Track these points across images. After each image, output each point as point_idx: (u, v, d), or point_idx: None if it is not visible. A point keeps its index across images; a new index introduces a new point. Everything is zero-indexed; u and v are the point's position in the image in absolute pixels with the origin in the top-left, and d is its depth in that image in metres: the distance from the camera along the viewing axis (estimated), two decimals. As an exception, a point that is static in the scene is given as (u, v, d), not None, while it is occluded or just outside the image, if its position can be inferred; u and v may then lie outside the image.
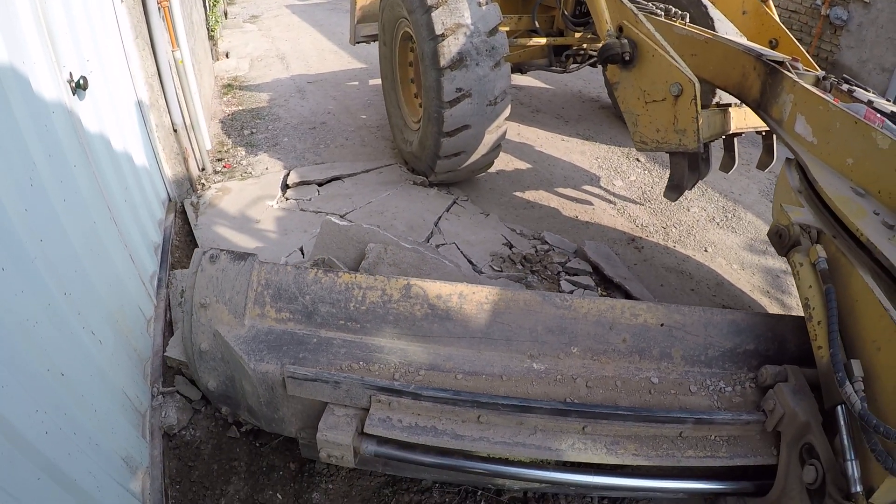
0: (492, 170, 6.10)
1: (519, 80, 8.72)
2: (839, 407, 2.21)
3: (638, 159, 6.59)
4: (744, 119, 4.12)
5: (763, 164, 4.55)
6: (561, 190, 6.02)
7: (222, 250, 2.63)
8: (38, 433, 2.04)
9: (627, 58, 3.85)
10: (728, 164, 4.63)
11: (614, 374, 2.49)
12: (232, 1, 14.63)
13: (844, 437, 2.18)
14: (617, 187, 6.12)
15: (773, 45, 4.75)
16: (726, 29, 4.91)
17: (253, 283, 2.58)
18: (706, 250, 5.11)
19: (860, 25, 8.41)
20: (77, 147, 3.09)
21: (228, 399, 2.77)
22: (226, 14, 12.64)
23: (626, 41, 3.84)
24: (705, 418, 2.38)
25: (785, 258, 2.77)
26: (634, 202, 5.88)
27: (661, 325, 2.58)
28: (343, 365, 2.42)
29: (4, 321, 2.00)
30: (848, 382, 2.13)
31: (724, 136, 4.36)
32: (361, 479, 3.15)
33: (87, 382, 2.55)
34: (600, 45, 4.01)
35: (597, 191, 6.05)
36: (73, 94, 3.18)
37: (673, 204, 5.75)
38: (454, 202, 5.57)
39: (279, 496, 3.13)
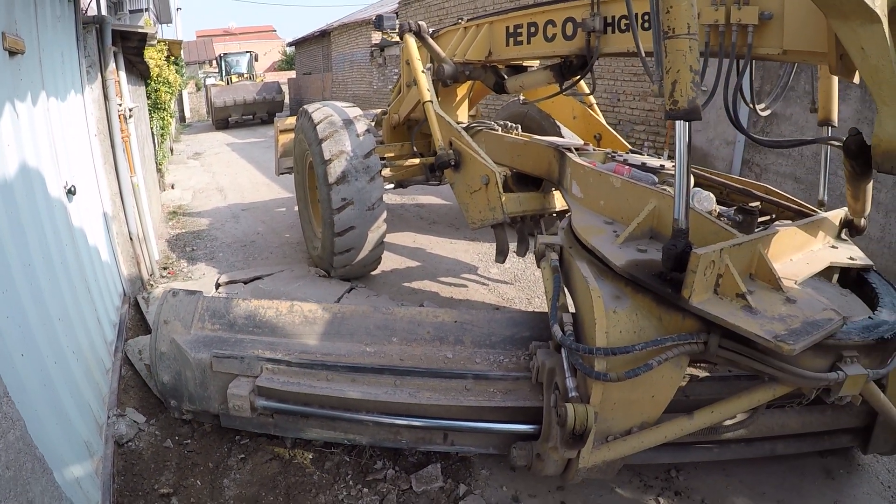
0: (385, 268, 7.50)
1: (422, 198, 10.39)
2: (562, 348, 3.13)
3: (514, 252, 8.07)
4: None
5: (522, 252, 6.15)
6: (443, 279, 7.40)
7: (181, 289, 4.08)
8: (39, 384, 3.09)
9: (454, 163, 5.42)
10: None
11: (421, 353, 3.87)
12: (177, 139, 16.23)
13: (564, 363, 3.08)
14: (492, 273, 7.51)
15: (598, 139, 6.42)
16: (567, 133, 6.65)
17: (198, 307, 4.04)
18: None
19: (704, 111, 9.72)
20: (68, 232, 4.39)
21: (176, 391, 4.03)
22: (172, 150, 14.22)
23: (452, 152, 5.43)
24: (482, 374, 3.67)
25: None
26: (506, 282, 7.23)
27: (455, 321, 4.00)
28: (248, 352, 3.83)
29: (32, 319, 3.21)
30: (556, 325, 3.18)
31: (553, 213, 5.82)
32: (261, 469, 4.16)
33: (68, 376, 3.58)
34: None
35: (473, 277, 7.45)
36: (67, 196, 4.53)
37: (539, 281, 7.06)
38: (351, 288, 6.93)
39: (199, 482, 4.11)
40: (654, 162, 4.72)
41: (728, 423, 3.36)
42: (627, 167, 4.33)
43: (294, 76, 40.14)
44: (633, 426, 3.09)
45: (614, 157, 5.09)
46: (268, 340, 3.97)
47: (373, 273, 7.45)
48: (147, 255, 7.15)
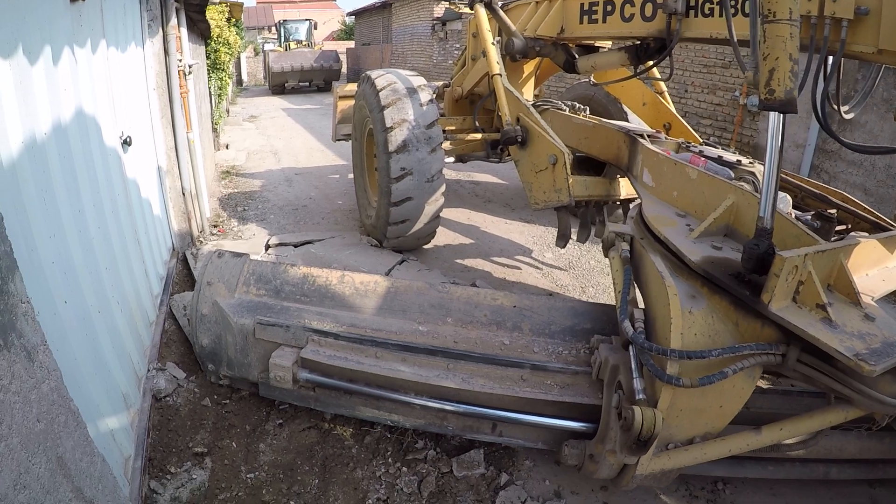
0: (438, 243, 7.36)
1: (478, 176, 10.18)
2: (630, 345, 2.94)
3: (571, 238, 7.81)
4: (631, 187, 5.06)
5: (599, 234, 5.71)
6: (496, 259, 7.22)
7: (227, 250, 3.90)
8: (87, 331, 3.10)
9: (521, 140, 5.20)
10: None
11: (476, 336, 3.66)
12: (234, 101, 16.31)
13: (632, 362, 2.89)
14: (546, 258, 7.30)
15: (667, 129, 6.12)
16: (634, 119, 6.35)
17: (244, 271, 3.86)
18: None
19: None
20: (122, 183, 4.32)
21: (215, 355, 3.91)
22: (228, 111, 14.25)
23: (520, 128, 5.22)
24: (541, 365, 3.46)
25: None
26: (560, 268, 7.01)
27: (514, 306, 3.78)
28: (293, 321, 3.63)
29: (78, 261, 3.09)
30: (626, 321, 2.97)
31: (617, 202, 5.62)
32: (298, 437, 4.09)
33: (111, 325, 3.58)
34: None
35: (527, 260, 7.24)
36: (122, 147, 4.46)
37: (595, 270, 6.89)
38: (403, 260, 6.78)
39: (234, 444, 4.05)
40: (730, 156, 4.43)
41: (789, 441, 3.18)
42: (703, 159, 4.05)
43: (352, 46, 40.15)
44: (696, 436, 2.92)
45: (689, 147, 4.80)
46: (315, 310, 3.79)
47: (425, 246, 7.34)
48: (198, 211, 7.08)
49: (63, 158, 3.06)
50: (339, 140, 9.10)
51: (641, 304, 3.35)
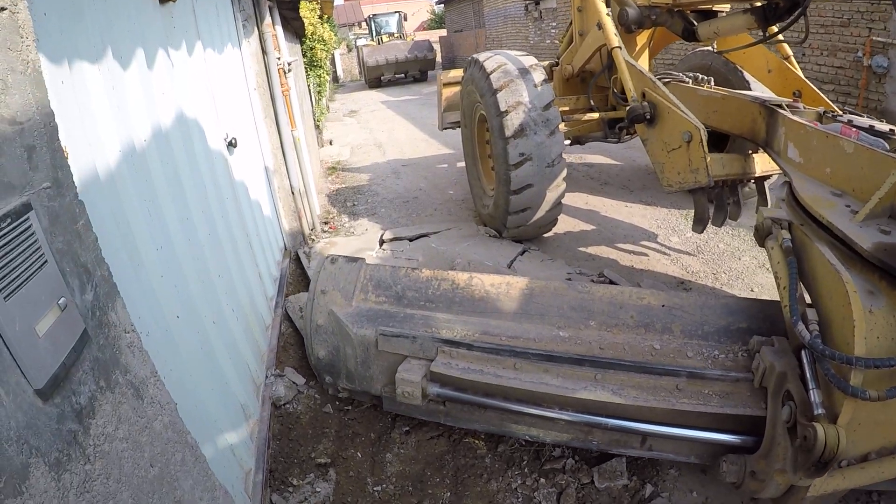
0: (558, 230, 6.94)
1: (591, 157, 9.66)
2: (803, 350, 2.64)
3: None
4: (769, 163, 4.73)
5: (734, 215, 5.28)
6: (620, 245, 6.74)
7: (340, 255, 3.61)
8: (196, 348, 2.86)
9: (649, 116, 4.71)
10: (763, 203, 5.27)
11: (623, 341, 3.23)
12: (332, 98, 16.39)
13: (807, 371, 2.59)
14: (673, 242, 6.76)
15: (797, 97, 5.46)
16: (758, 88, 5.70)
17: (361, 277, 3.56)
18: (752, 290, 5.57)
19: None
20: (229, 185, 4.17)
21: (332, 367, 3.65)
22: (328, 108, 14.28)
23: (647, 104, 4.72)
24: (698, 373, 3.01)
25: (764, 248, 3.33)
26: (688, 253, 6.47)
27: (663, 305, 3.32)
28: (420, 330, 3.31)
29: (186, 270, 2.91)
30: (801, 323, 2.61)
31: (752, 180, 5.08)
32: (427, 446, 3.86)
33: (225, 336, 3.43)
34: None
35: (654, 245, 6.72)
36: (227, 149, 4.29)
37: (725, 253, 6.33)
38: (524, 250, 6.39)
39: (359, 454, 3.87)
40: (882, 126, 3.82)
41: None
42: (854, 129, 3.49)
43: (444, 34, 40.03)
44: (871, 451, 2.53)
45: (835, 117, 4.19)
46: (442, 317, 3.44)
47: (545, 235, 6.93)
48: (308, 209, 6.93)
49: (165, 165, 2.88)
50: (445, 129, 8.79)
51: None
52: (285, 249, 6.36)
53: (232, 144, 4.33)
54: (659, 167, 4.86)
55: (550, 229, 6.77)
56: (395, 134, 12.66)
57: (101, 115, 2.15)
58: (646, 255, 6.50)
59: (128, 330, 1.67)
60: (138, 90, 2.64)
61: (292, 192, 6.37)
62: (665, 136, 4.70)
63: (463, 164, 8.25)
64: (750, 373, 3.01)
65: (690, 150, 4.46)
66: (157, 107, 2.90)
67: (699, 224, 4.96)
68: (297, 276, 6.14)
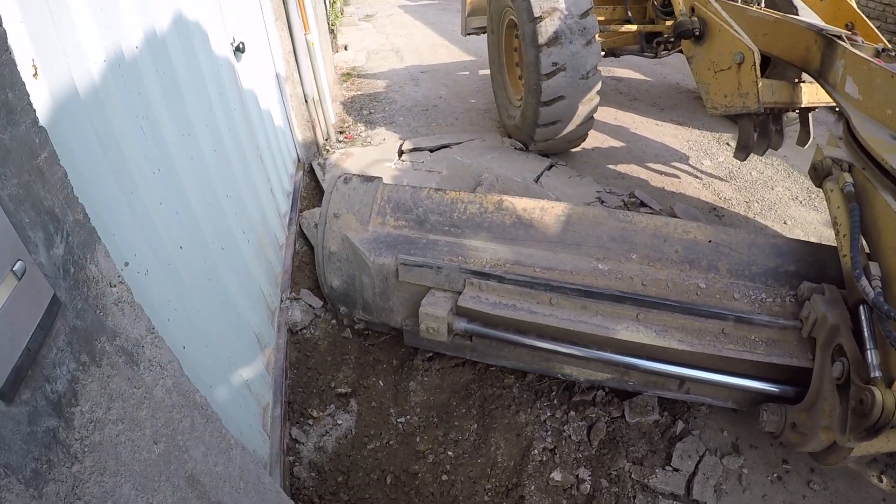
0: (586, 146, 6.56)
1: (620, 71, 9.11)
2: (861, 305, 2.47)
3: (728, 143, 6.82)
4: (816, 94, 4.42)
5: (802, 141, 4.90)
6: (651, 165, 6.38)
7: (354, 174, 3.29)
8: (203, 279, 2.65)
9: (698, 33, 4.34)
10: (804, 138, 4.94)
11: (667, 277, 2.96)
12: (347, 1, 15.59)
13: (864, 329, 2.41)
14: (705, 166, 6.40)
15: (850, 29, 5.01)
16: (807, 14, 5.22)
17: (377, 198, 3.23)
18: (785, 223, 5.34)
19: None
20: (237, 95, 3.83)
21: (347, 297, 3.41)
22: (342, 12, 13.58)
23: (696, 19, 4.35)
24: (745, 317, 2.77)
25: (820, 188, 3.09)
26: (720, 179, 6.14)
27: (710, 241, 3.03)
28: (445, 259, 3.03)
29: (190, 191, 2.64)
30: (864, 277, 2.41)
31: (797, 111, 4.72)
32: (452, 374, 3.69)
33: (237, 261, 3.21)
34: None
35: (685, 168, 6.36)
36: (235, 55, 3.93)
37: (758, 182, 6.00)
38: (552, 165, 6.07)
39: (381, 383, 3.72)
40: None
41: None
42: None
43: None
44: None
45: (892, 55, 3.80)
46: (470, 244, 3.15)
47: (573, 150, 6.59)
48: (322, 117, 6.56)
49: (162, 75, 2.55)
50: (469, 34, 8.26)
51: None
52: (298, 161, 6.04)
53: (240, 49, 3.96)
54: (704, 88, 4.54)
55: (579, 144, 6.44)
56: (414, 39, 12.02)
57: (81, 17, 1.81)
58: (677, 177, 6.17)
59: (113, 283, 1.38)
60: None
61: (305, 101, 5.99)
62: (714, 55, 4.39)
63: (486, 71, 7.77)
64: (798, 320, 2.79)
65: (741, 73, 4.16)
66: (150, 8, 2.55)
67: (742, 151, 4.64)
68: (311, 189, 5.85)
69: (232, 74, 3.79)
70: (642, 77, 9.14)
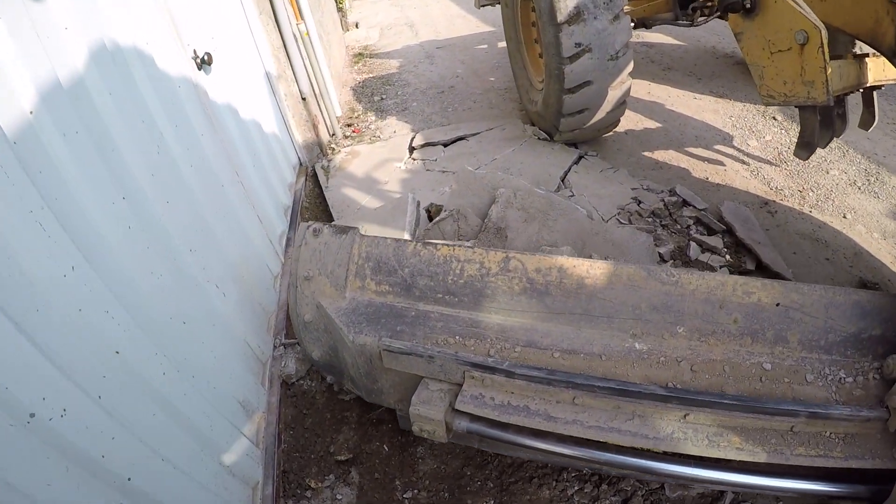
0: (618, 128, 5.93)
1: (649, 36, 8.34)
2: None
3: (774, 118, 6.11)
4: (882, 70, 3.75)
5: (865, 124, 4.17)
6: (691, 150, 5.72)
7: (325, 224, 2.70)
8: (156, 374, 2.21)
9: (749, 5, 3.61)
10: (868, 120, 4.20)
11: (722, 357, 2.36)
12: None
13: None
14: (751, 147, 5.71)
15: None
16: None
17: (354, 256, 2.64)
18: (845, 217, 4.71)
19: None
20: (203, 118, 3.29)
21: (332, 368, 2.89)
22: (353, -14, 12.87)
23: None
24: (821, 412, 2.16)
25: None
26: (769, 163, 5.47)
27: (777, 304, 2.41)
28: (439, 339, 2.45)
29: (131, 272, 2.18)
30: None
31: (861, 90, 3.99)
32: None
33: (208, 330, 2.76)
34: None
35: (730, 151, 5.69)
36: (199, 70, 3.36)
37: (811, 165, 5.32)
38: (580, 157, 5.48)
39: (386, 447, 3.30)
40: None
41: None
42: None
43: None
44: None
45: None
46: (469, 318, 2.55)
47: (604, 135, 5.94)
48: (326, 113, 6.00)
49: (76, 135, 2.02)
50: (483, 6, 7.58)
51: None
52: (300, 165, 5.50)
53: (206, 62, 3.39)
54: (757, 71, 3.81)
55: (611, 131, 5.80)
56: (429, 10, 11.31)
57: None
58: (722, 164, 5.52)
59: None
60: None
61: (303, 99, 5.42)
62: (769, 32, 3.62)
63: (505, 44, 7.10)
64: (885, 408, 2.20)
65: (805, 56, 3.42)
66: (57, 49, 2.01)
67: (806, 149, 3.92)
68: (314, 196, 5.33)
69: (195, 95, 3.24)
70: (674, 42, 8.36)
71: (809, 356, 2.39)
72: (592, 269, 2.50)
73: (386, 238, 2.67)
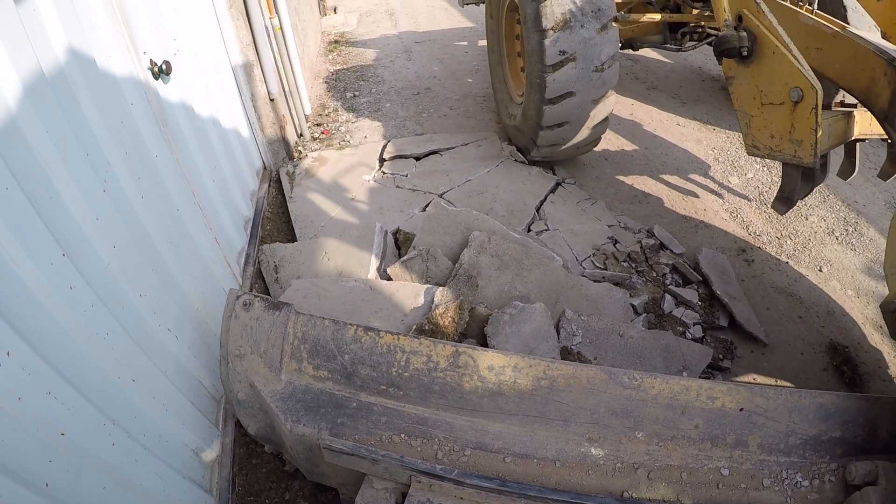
0: (597, 150, 5.79)
1: (635, 52, 8.22)
2: None
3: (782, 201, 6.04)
4: (868, 125, 3.65)
5: (885, 174, 4.02)
6: (672, 181, 5.61)
7: (256, 296, 2.46)
8: (105, 446, 2.07)
9: (745, 52, 3.49)
10: (847, 170, 4.12)
11: (680, 463, 2.26)
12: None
13: None
14: (733, 184, 5.61)
15: None
16: (859, 19, 4.31)
17: (289, 335, 2.43)
18: (821, 270, 4.64)
19: None
20: (159, 136, 3.05)
21: (270, 441, 2.74)
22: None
23: (744, 34, 3.47)
24: (776, 527, 2.11)
25: None
26: (747, 199, 5.40)
27: (741, 409, 2.31)
28: (384, 436, 2.27)
29: (75, 339, 2.01)
30: None
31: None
32: None
33: (159, 381, 2.59)
34: (718, 33, 3.66)
35: (711, 186, 5.59)
36: (157, 79, 3.11)
37: (791, 216, 5.24)
38: (558, 184, 5.29)
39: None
40: None
41: None
42: None
43: None
44: None
45: None
46: (415, 415, 2.38)
47: (580, 157, 5.79)
48: (295, 112, 5.77)
49: (3, 193, 1.80)
50: (466, 5, 7.32)
51: None
52: (264, 169, 5.24)
53: (163, 71, 3.12)
54: (745, 119, 3.72)
55: (589, 150, 5.59)
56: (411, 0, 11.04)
57: None
58: (696, 195, 5.46)
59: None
60: None
61: (271, 99, 5.17)
62: (763, 82, 3.51)
63: (485, 42, 6.88)
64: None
65: (797, 114, 3.32)
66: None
67: (784, 204, 3.82)
68: (277, 205, 5.11)
69: (150, 111, 2.96)
70: (661, 59, 8.21)
71: (768, 459, 2.33)
72: (549, 371, 2.35)
73: (324, 319, 2.46)
